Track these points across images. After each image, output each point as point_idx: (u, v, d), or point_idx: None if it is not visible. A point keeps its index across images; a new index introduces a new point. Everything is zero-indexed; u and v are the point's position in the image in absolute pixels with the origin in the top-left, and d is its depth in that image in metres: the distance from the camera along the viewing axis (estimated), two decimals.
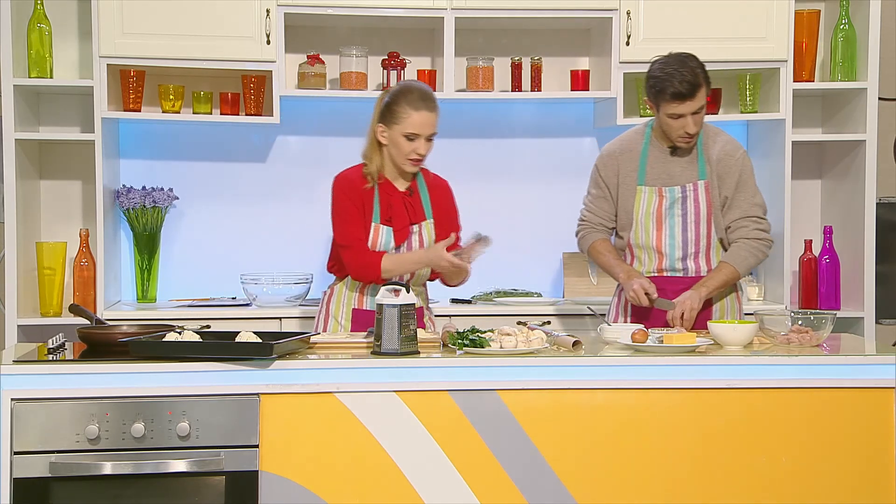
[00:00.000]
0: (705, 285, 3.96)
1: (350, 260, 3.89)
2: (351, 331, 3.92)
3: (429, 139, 3.86)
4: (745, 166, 4.07)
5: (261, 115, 4.99)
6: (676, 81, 3.91)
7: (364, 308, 3.96)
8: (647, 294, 3.96)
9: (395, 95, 3.86)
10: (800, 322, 3.63)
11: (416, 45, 5.20)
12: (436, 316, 4.71)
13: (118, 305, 4.95)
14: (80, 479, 3.15)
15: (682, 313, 3.89)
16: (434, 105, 3.86)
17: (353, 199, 3.89)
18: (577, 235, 4.26)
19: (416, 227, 3.94)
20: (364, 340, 3.55)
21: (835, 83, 5.12)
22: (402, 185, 3.95)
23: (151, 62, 4.81)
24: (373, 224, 3.89)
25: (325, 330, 3.98)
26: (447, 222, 4.02)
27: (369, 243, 3.88)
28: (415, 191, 3.97)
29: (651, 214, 4.06)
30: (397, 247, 3.91)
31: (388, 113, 3.85)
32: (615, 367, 3.36)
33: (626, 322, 4.14)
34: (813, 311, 4.32)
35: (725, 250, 4.10)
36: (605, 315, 4.11)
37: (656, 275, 4.09)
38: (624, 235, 4.14)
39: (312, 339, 3.52)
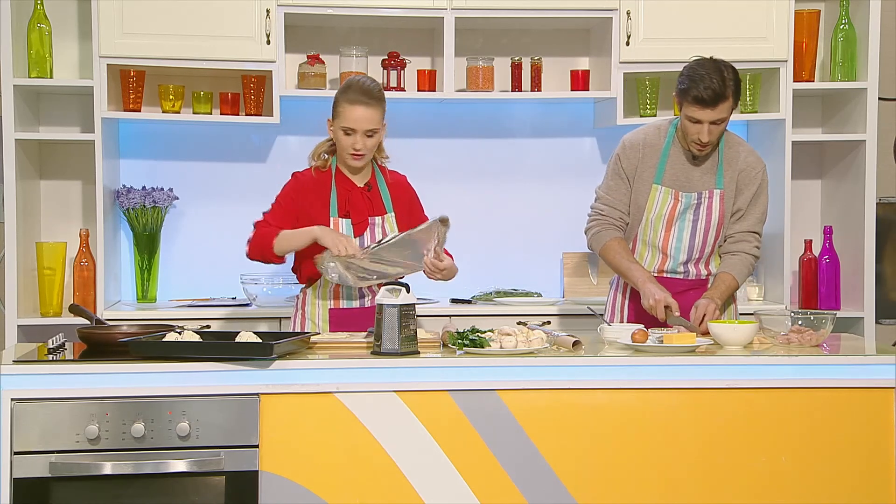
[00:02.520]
0: (717, 296, 3.93)
1: (251, 235, 3.87)
2: (329, 331, 3.91)
3: (369, 135, 3.86)
4: (764, 181, 4.06)
5: (261, 115, 4.99)
6: (702, 86, 3.84)
7: (340, 307, 3.95)
8: (667, 307, 3.88)
9: (339, 90, 3.91)
10: (800, 322, 3.63)
11: (416, 45, 5.20)
12: (436, 316, 4.74)
13: (118, 305, 4.95)
14: (80, 479, 3.15)
15: (704, 314, 3.83)
16: (374, 101, 3.85)
17: (300, 191, 3.90)
18: (588, 232, 4.13)
19: (377, 220, 3.94)
20: (364, 340, 3.55)
21: (835, 83, 5.12)
22: (360, 181, 3.97)
23: (151, 62, 4.81)
24: (331, 218, 3.90)
25: None
26: (410, 217, 4.01)
27: None
28: (374, 186, 3.98)
29: (663, 216, 4.04)
30: (357, 237, 3.90)
31: (334, 106, 3.90)
32: (615, 367, 3.36)
33: (624, 320, 4.14)
34: (813, 311, 4.32)
35: (720, 256, 4.10)
36: (602, 314, 4.10)
37: (657, 275, 4.08)
38: (629, 229, 4.11)
39: (312, 339, 3.52)
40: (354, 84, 3.89)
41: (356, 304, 3.96)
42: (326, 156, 3.96)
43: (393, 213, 3.99)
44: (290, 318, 4.71)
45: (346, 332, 3.82)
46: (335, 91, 4.94)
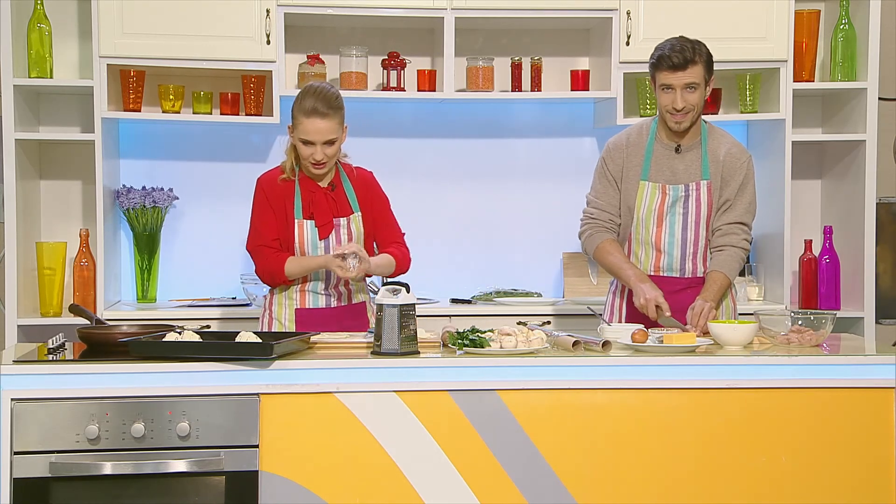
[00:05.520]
0: (711, 297, 3.93)
1: (257, 265, 3.94)
2: (296, 330, 3.91)
3: (328, 144, 3.83)
4: (750, 171, 4.07)
5: (261, 115, 4.99)
6: (670, 51, 3.92)
7: (307, 307, 3.96)
8: (657, 307, 3.92)
9: (297, 99, 3.86)
10: (800, 322, 3.63)
11: (416, 45, 5.20)
12: (436, 316, 4.74)
13: (118, 305, 4.95)
14: (80, 479, 3.15)
15: (701, 312, 3.83)
16: (331, 111, 3.81)
17: (269, 197, 3.91)
18: (581, 235, 4.17)
19: (342, 221, 3.93)
20: (364, 340, 3.55)
21: (835, 83, 5.12)
22: (323, 182, 3.95)
23: (151, 62, 4.81)
24: (296, 220, 3.90)
25: None
26: (376, 214, 4.01)
27: (295, 240, 3.89)
28: (338, 185, 3.96)
29: (653, 211, 4.05)
30: (322, 239, 3.90)
31: (292, 115, 3.88)
32: (615, 367, 3.36)
33: (622, 322, 4.13)
34: (813, 311, 4.32)
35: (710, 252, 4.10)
36: (601, 314, 4.10)
37: (653, 273, 4.07)
38: (622, 230, 4.12)
39: (312, 339, 3.52)
40: (310, 94, 3.84)
41: (322, 303, 3.96)
42: (294, 166, 3.93)
43: (359, 213, 3.96)
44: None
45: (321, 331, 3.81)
46: None
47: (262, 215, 3.93)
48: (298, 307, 3.95)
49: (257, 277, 4.83)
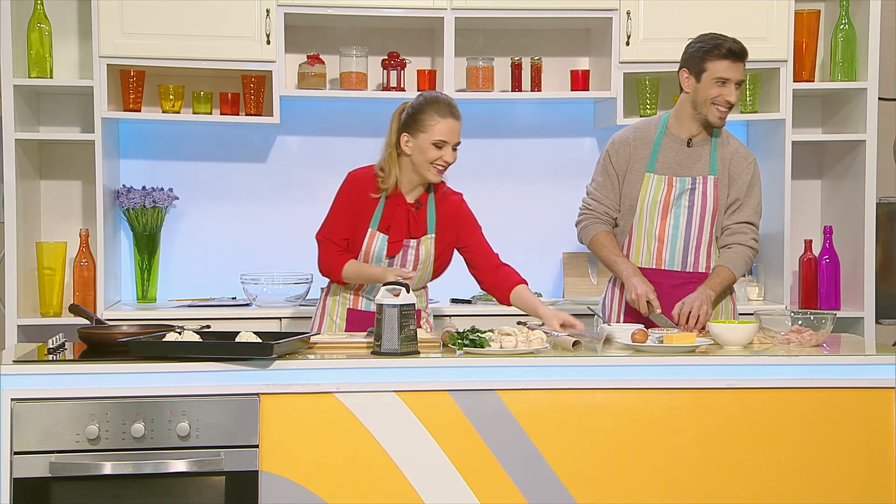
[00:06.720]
0: (710, 288, 3.94)
1: (320, 257, 3.93)
2: (346, 330, 3.93)
3: (454, 148, 3.86)
4: (756, 172, 4.09)
5: (261, 115, 4.99)
6: (730, 41, 3.95)
7: (359, 308, 3.97)
8: (647, 302, 3.94)
9: (422, 105, 3.85)
10: (800, 322, 3.63)
11: (416, 45, 5.20)
12: (436, 316, 4.74)
13: (118, 305, 4.95)
14: (80, 479, 3.15)
15: (690, 312, 3.85)
16: (459, 114, 3.88)
17: (354, 200, 3.89)
18: (577, 225, 4.19)
19: (412, 242, 3.91)
20: (364, 340, 3.55)
21: (835, 83, 5.12)
22: (411, 198, 3.93)
23: (151, 62, 4.81)
24: (369, 230, 3.89)
25: (320, 328, 3.99)
26: (468, 240, 3.98)
27: (363, 249, 3.88)
28: (423, 204, 3.95)
29: (658, 202, 4.05)
30: (390, 257, 3.89)
31: (412, 122, 3.84)
32: (615, 367, 3.36)
33: (620, 311, 4.13)
34: (813, 311, 4.32)
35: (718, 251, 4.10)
36: (599, 315, 4.11)
37: (654, 266, 4.07)
38: (623, 223, 4.12)
39: (312, 339, 3.53)
40: (441, 98, 3.87)
41: (374, 306, 3.95)
42: (396, 181, 3.90)
43: (433, 235, 3.94)
44: (290, 318, 4.77)
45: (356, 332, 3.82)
46: (335, 91, 5.00)
47: (339, 212, 3.92)
48: (351, 307, 3.97)
49: (258, 277, 4.89)
